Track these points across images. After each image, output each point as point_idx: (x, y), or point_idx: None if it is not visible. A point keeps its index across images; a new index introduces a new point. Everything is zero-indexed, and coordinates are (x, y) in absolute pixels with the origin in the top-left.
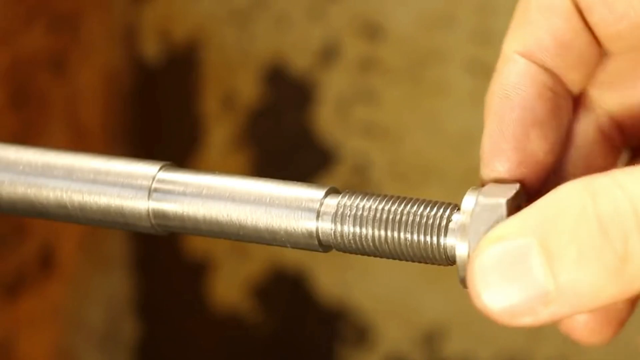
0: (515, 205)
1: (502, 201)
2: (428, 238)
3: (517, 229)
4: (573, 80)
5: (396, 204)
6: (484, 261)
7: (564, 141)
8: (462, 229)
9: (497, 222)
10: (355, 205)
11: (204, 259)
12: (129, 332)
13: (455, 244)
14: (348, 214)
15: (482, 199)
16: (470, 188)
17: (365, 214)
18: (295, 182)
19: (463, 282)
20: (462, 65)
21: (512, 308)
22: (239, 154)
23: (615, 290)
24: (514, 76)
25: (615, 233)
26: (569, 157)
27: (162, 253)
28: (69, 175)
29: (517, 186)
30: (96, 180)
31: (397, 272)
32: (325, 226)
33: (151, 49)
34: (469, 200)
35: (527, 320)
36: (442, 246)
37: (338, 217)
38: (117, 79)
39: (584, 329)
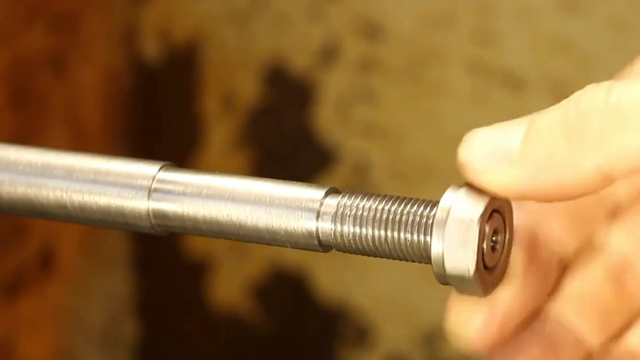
0: (497, 206)
1: (481, 201)
2: (428, 238)
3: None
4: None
5: (396, 204)
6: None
7: None
8: (437, 226)
9: (477, 222)
10: (355, 205)
11: (204, 259)
12: (129, 332)
13: (432, 241)
14: (348, 214)
15: (463, 194)
16: (452, 185)
17: (365, 214)
18: (295, 182)
19: (439, 278)
20: (462, 65)
21: (478, 161)
22: (239, 154)
23: (569, 170)
24: None
25: (578, 113)
26: None
27: (162, 253)
28: (69, 175)
29: None
30: (96, 180)
31: (397, 272)
32: (325, 226)
33: (151, 49)
34: (447, 197)
35: (490, 175)
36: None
37: (338, 217)
38: (117, 79)
39: (476, 334)
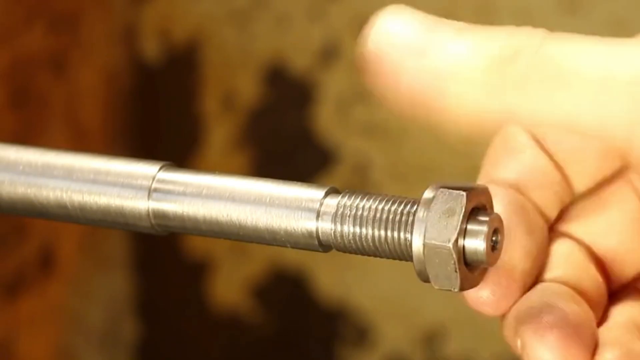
0: (480, 202)
1: (462, 193)
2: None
3: None
4: (549, 210)
5: (396, 204)
6: None
7: (542, 259)
8: (418, 222)
9: (458, 213)
10: (355, 205)
11: (204, 259)
12: (129, 332)
13: (412, 237)
14: (348, 214)
15: (443, 190)
16: (434, 182)
17: (365, 214)
18: (295, 182)
19: (420, 275)
20: None
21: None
22: (239, 154)
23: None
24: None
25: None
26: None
27: (162, 253)
28: (69, 175)
29: (483, 186)
30: (96, 180)
31: (397, 272)
32: (325, 226)
33: (151, 49)
34: (429, 193)
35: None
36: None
37: (338, 217)
38: (117, 79)
39: (483, 289)
